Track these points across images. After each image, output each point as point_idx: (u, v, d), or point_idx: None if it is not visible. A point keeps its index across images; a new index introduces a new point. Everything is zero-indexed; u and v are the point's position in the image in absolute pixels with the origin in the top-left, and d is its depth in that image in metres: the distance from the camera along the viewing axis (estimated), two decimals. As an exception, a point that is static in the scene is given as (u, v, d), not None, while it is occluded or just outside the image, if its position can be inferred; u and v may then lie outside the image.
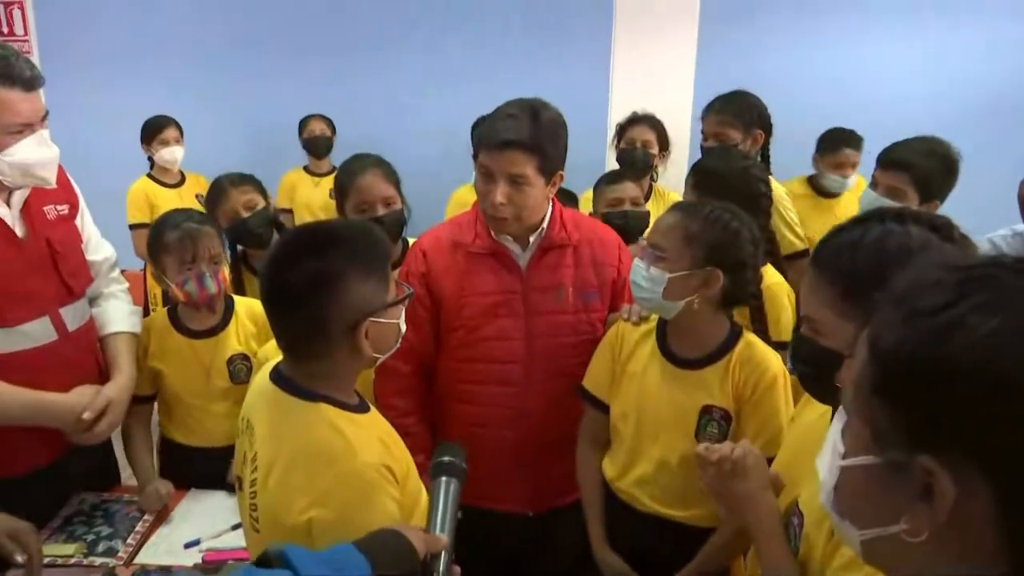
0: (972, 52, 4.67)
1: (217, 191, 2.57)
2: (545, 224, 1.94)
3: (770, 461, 1.58)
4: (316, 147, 4.74)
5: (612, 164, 3.46)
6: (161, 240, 2.06)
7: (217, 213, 2.52)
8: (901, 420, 0.67)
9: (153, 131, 4.19)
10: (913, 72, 4.69)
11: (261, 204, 2.52)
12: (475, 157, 1.95)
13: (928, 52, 4.70)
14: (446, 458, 1.29)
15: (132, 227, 4.08)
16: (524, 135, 1.79)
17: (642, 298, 1.74)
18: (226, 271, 2.10)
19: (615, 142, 3.35)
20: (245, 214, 2.47)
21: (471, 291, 1.93)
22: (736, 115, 2.67)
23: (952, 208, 2.39)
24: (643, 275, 1.70)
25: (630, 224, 2.69)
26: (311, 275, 1.27)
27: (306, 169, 4.83)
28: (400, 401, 1.95)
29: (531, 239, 1.94)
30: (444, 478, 1.26)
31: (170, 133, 4.20)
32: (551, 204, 1.96)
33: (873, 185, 2.38)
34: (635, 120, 3.31)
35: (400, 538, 1.12)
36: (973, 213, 1.89)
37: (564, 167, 1.92)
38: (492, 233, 1.93)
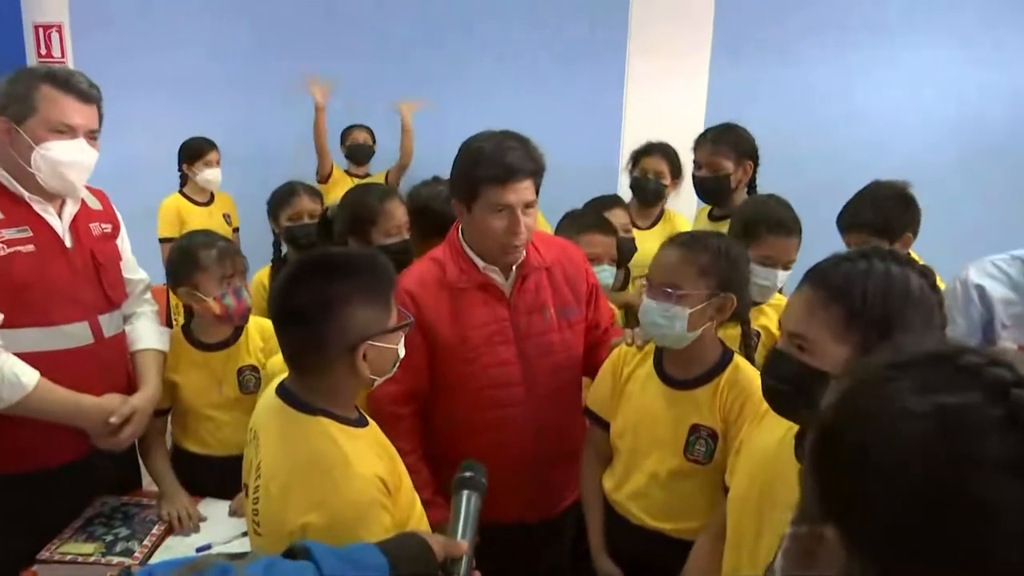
0: (991, 87, 4.60)
1: (286, 192, 2.85)
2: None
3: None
4: (358, 155, 4.91)
5: (624, 189, 3.52)
6: (195, 259, 2.15)
7: (281, 212, 2.81)
8: (818, 489, 0.68)
9: (196, 152, 4.34)
10: (926, 106, 4.61)
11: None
12: (469, 197, 1.91)
13: (943, 86, 4.64)
14: (468, 473, 1.36)
15: (162, 241, 4.21)
16: (529, 163, 1.87)
17: (662, 335, 1.79)
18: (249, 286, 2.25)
19: (629, 168, 3.40)
20: (307, 220, 2.75)
21: (466, 326, 1.96)
22: (731, 146, 2.76)
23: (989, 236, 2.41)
24: (661, 315, 1.75)
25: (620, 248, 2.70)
26: (315, 298, 1.36)
27: (347, 172, 4.94)
28: (404, 444, 1.89)
29: (513, 267, 1.99)
30: (466, 491, 1.34)
31: (212, 155, 4.35)
32: None
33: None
34: (649, 150, 3.33)
35: (419, 540, 1.19)
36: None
37: None
38: (478, 267, 1.97)
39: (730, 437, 1.75)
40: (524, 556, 2.12)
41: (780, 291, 2.33)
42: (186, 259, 2.18)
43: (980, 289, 2.18)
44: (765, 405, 1.71)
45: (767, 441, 1.42)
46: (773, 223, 2.26)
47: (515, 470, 2.02)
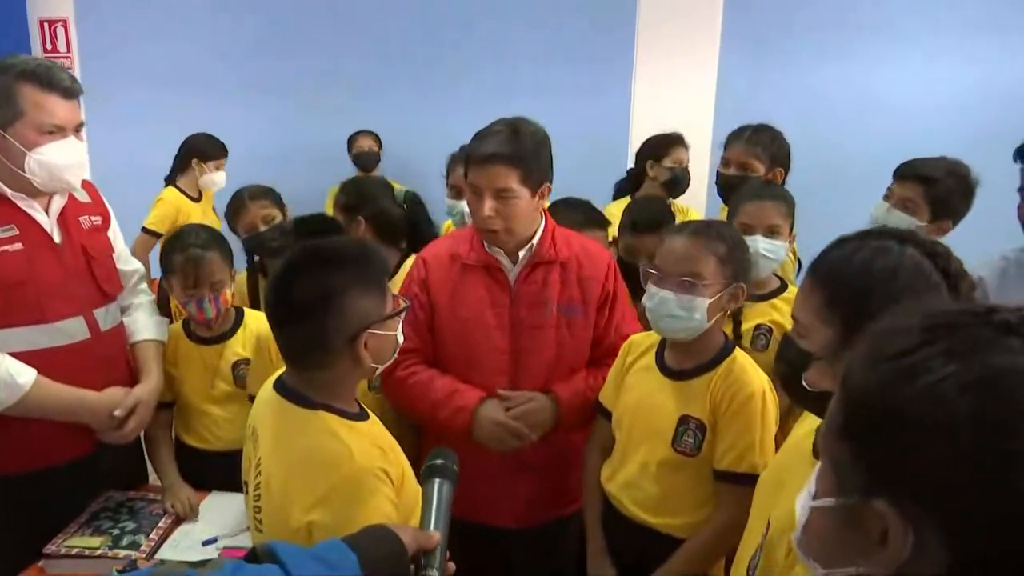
0: (996, 81, 4.57)
1: (237, 204, 2.71)
2: (536, 240, 1.99)
3: (744, 476, 1.66)
4: (365, 161, 5.04)
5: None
6: (169, 261, 2.19)
7: (236, 225, 2.69)
8: (860, 463, 0.67)
9: (211, 154, 4.19)
10: (934, 101, 4.59)
11: (278, 217, 2.66)
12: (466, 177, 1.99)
13: (950, 80, 4.62)
14: (438, 461, 1.31)
15: (145, 230, 4.06)
16: (505, 148, 1.87)
17: (678, 328, 1.76)
18: (228, 294, 2.21)
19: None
20: (263, 227, 2.63)
21: (462, 301, 2.00)
22: (764, 148, 2.64)
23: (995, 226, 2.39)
24: (680, 307, 1.72)
25: None
26: (313, 291, 1.36)
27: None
28: (421, 389, 2.00)
29: (521, 254, 1.99)
30: (437, 480, 1.29)
31: (223, 160, 4.22)
32: (544, 220, 2.02)
33: (887, 196, 2.36)
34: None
35: (388, 533, 1.15)
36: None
37: (551, 179, 1.99)
38: (485, 246, 2.00)
39: (718, 429, 1.75)
40: (516, 560, 2.14)
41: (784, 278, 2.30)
42: (164, 258, 2.23)
43: (981, 281, 2.17)
44: (752, 402, 1.72)
45: (798, 433, 1.42)
46: (749, 193, 2.24)
47: (495, 465, 2.01)
